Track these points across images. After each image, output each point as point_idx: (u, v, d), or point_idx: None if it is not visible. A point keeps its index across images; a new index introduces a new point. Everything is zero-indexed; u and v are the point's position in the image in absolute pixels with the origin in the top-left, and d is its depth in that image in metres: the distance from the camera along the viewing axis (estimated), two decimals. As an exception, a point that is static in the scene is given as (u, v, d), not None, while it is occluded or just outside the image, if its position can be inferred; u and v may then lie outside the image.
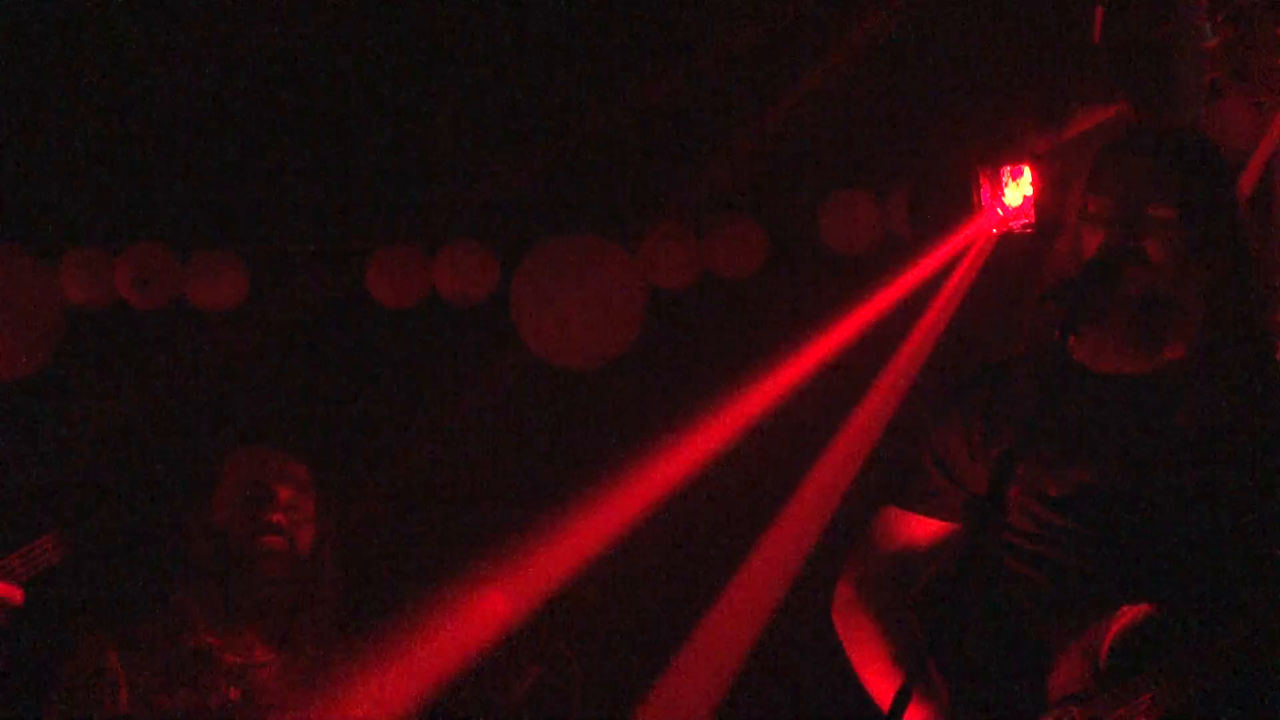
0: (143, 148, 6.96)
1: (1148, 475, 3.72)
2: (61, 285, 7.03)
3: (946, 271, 6.44)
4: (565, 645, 5.15)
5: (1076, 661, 3.71)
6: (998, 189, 5.66)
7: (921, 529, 3.96)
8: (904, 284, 6.47)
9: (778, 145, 6.95)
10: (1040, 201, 4.48)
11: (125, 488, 6.77)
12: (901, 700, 3.35)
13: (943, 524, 3.94)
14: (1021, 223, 5.70)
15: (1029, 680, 3.73)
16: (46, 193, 7.15)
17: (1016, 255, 5.74)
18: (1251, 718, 3.52)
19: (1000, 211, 5.71)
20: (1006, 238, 5.93)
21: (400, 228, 6.93)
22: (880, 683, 3.90)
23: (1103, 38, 4.78)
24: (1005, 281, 5.87)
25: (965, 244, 6.24)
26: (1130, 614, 3.64)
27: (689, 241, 6.87)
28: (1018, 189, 5.52)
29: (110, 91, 6.98)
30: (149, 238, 7.15)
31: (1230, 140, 4.89)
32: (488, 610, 5.04)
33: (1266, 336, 3.88)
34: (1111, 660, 3.64)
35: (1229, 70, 4.82)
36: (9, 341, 6.76)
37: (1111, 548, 3.72)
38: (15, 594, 4.72)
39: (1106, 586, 3.69)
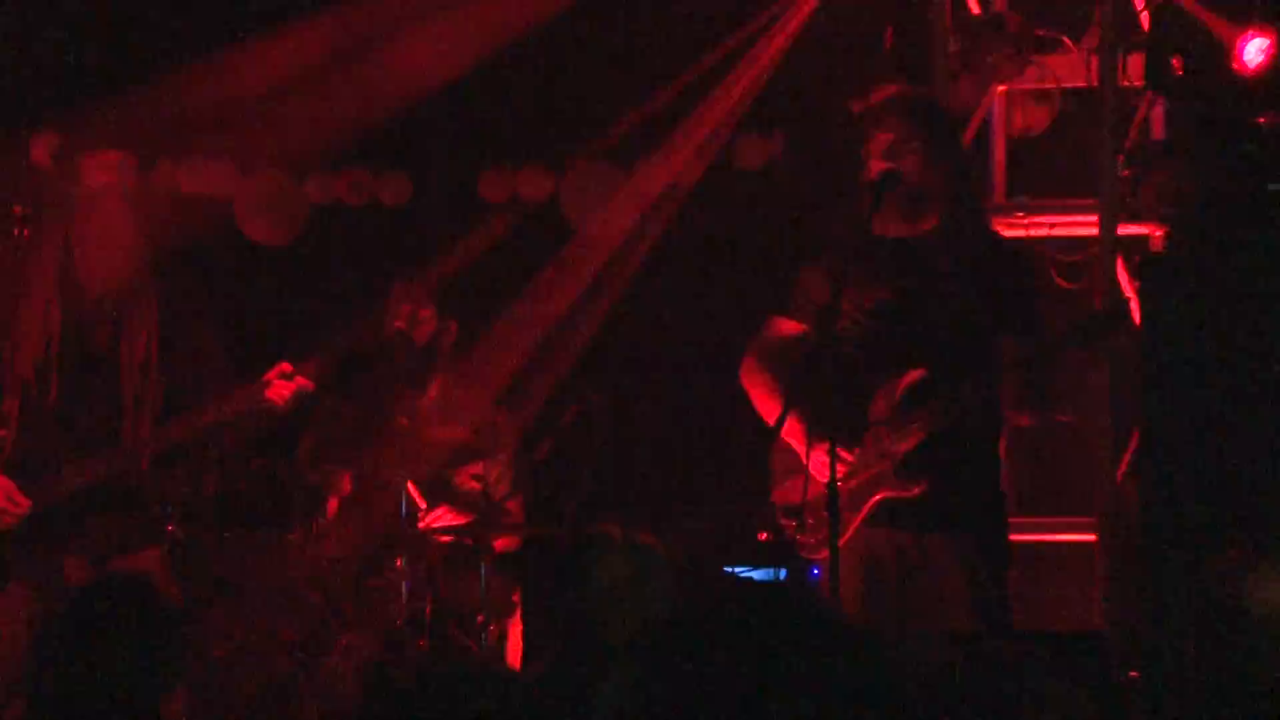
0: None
1: (919, 294, 6.08)
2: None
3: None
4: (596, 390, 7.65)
5: (881, 402, 6.06)
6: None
7: (791, 327, 6.24)
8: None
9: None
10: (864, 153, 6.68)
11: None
12: (782, 417, 5.87)
13: (804, 325, 6.19)
14: None
15: (855, 411, 6.03)
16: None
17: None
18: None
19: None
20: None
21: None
22: (772, 409, 6.09)
23: (892, 46, 7.47)
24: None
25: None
26: (912, 375, 6.02)
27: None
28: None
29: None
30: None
31: (961, 104, 7.36)
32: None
33: (981, 213, 6.47)
34: (901, 401, 6.02)
35: (961, 63, 7.35)
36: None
37: (899, 336, 6.05)
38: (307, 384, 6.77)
39: (898, 359, 6.03)
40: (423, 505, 7.53)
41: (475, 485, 7.53)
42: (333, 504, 7.78)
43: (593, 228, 8.79)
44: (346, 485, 7.78)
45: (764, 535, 6.25)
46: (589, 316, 8.68)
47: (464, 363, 7.99)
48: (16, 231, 7.39)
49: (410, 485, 7.51)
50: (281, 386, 6.72)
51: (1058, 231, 7.53)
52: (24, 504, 6.62)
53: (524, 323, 8.68)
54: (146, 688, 4.37)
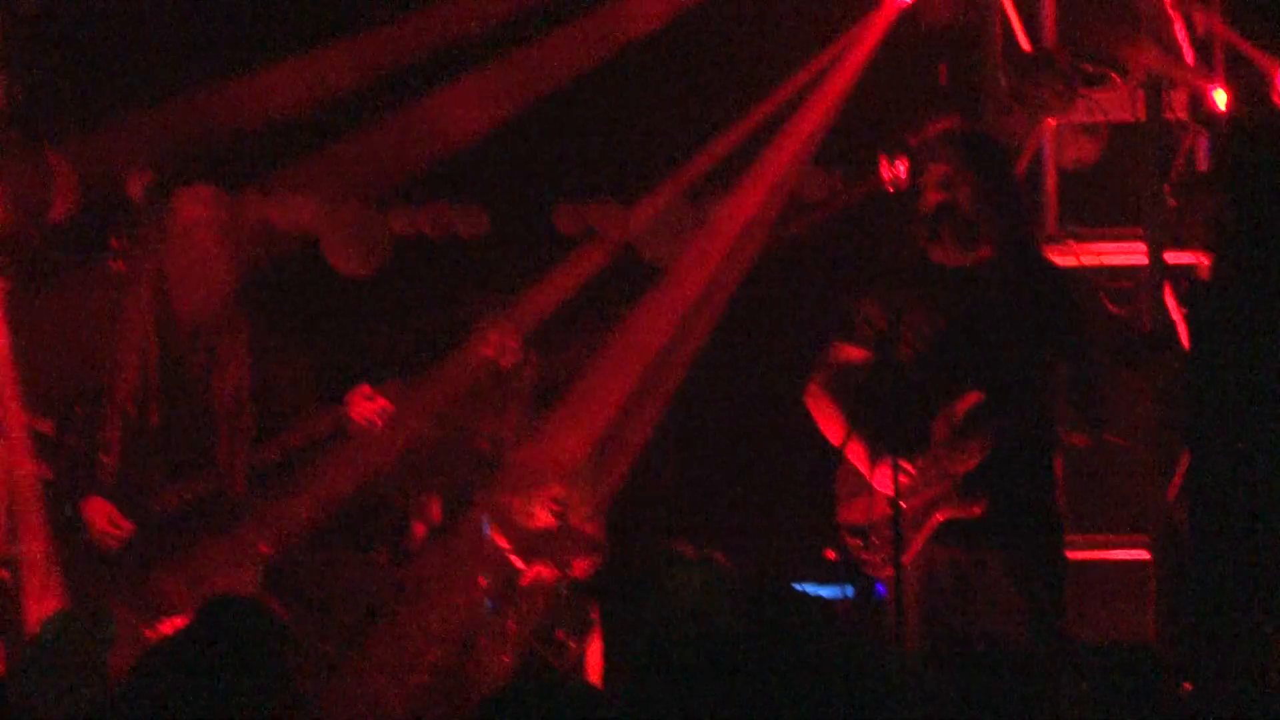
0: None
1: (975, 320, 6.29)
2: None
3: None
4: None
5: (941, 424, 6.25)
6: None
7: (853, 353, 6.45)
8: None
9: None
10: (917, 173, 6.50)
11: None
12: (846, 439, 6.17)
13: (866, 351, 6.42)
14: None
15: (919, 432, 6.22)
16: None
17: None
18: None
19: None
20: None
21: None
22: (837, 432, 6.34)
23: (946, 82, 7.73)
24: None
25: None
26: (970, 398, 6.21)
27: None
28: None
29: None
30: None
31: (1013, 137, 7.59)
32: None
33: (1033, 242, 6.72)
34: (960, 423, 6.22)
35: (1013, 98, 7.59)
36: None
37: (957, 360, 6.25)
38: None
39: (955, 382, 6.23)
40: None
41: (555, 507, 7.88)
42: (419, 528, 8.10)
43: (666, 261, 9.04)
44: (436, 513, 8.10)
45: (830, 554, 6.48)
46: (664, 350, 8.88)
47: (544, 392, 8.31)
48: (113, 265, 7.68)
49: (495, 534, 7.81)
50: (363, 408, 6.94)
51: (1107, 259, 7.73)
52: (126, 527, 6.87)
53: (604, 357, 8.89)
54: (260, 711, 4.47)
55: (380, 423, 7.00)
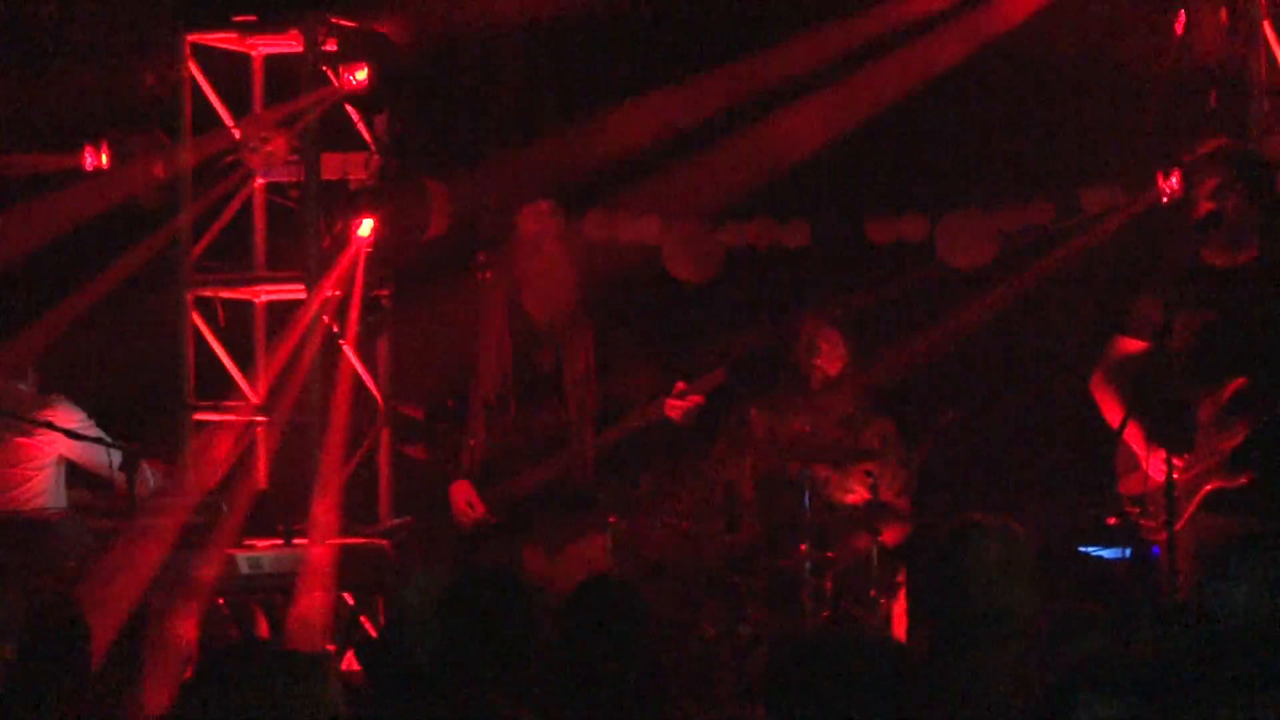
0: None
1: (1241, 314, 6.88)
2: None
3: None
4: None
5: (1209, 407, 6.88)
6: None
7: (1132, 345, 7.10)
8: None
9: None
10: (1191, 186, 7.23)
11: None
12: (1124, 423, 6.81)
13: (1144, 343, 7.05)
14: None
15: (1186, 416, 6.91)
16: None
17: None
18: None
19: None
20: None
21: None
22: (1117, 416, 6.94)
23: (1216, 105, 8.16)
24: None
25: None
26: (1235, 382, 6.84)
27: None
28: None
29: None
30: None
31: (1274, 154, 7.81)
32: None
33: None
34: (1226, 405, 6.85)
35: (1274, 119, 8.07)
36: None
37: (1224, 350, 6.86)
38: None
39: (1222, 369, 6.85)
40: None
41: (868, 481, 8.41)
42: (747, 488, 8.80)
43: (963, 264, 9.61)
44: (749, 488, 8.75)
45: (1112, 520, 7.19)
46: (964, 340, 9.44)
47: (856, 380, 8.84)
48: (480, 275, 8.72)
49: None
50: (675, 404, 7.52)
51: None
52: (480, 509, 7.60)
53: (903, 348, 9.53)
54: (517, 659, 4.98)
55: (688, 418, 7.53)
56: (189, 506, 8.50)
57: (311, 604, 8.47)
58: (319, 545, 8.76)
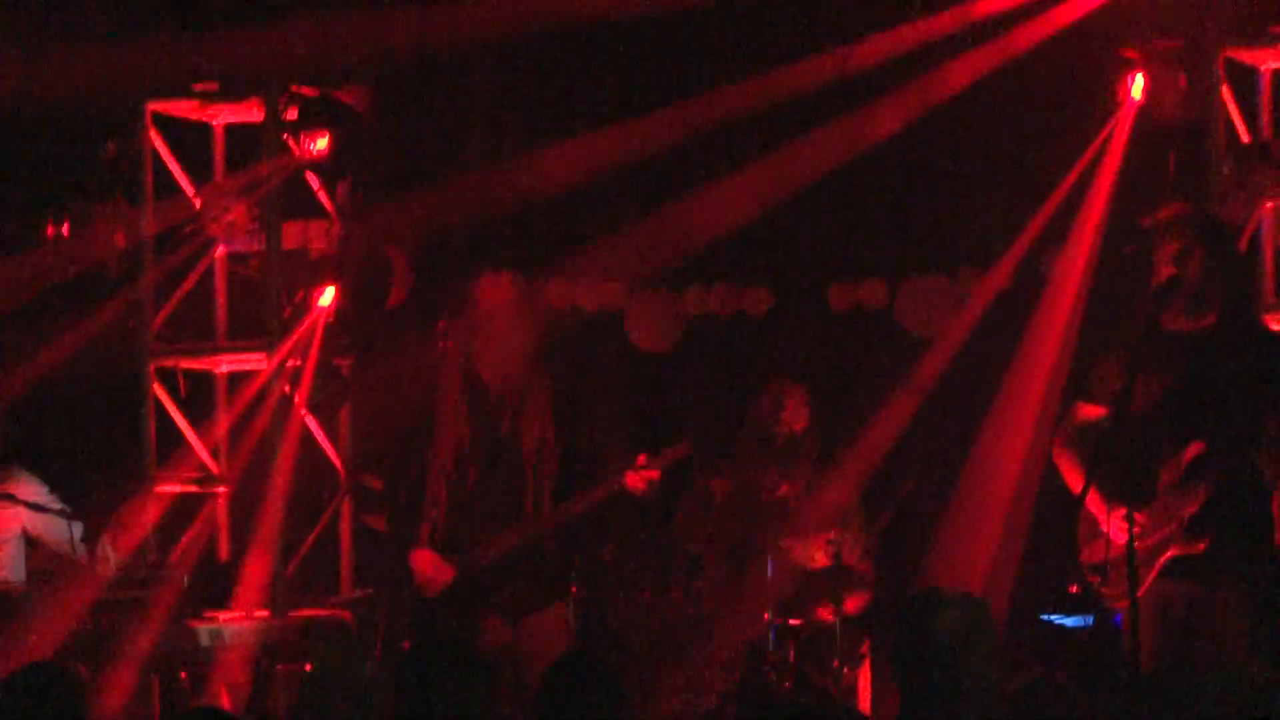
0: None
1: (1200, 379, 6.85)
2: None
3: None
4: None
5: (1168, 472, 6.83)
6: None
7: (1092, 411, 7.04)
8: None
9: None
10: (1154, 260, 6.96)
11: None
12: (1085, 489, 6.65)
13: (1103, 408, 6.97)
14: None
15: (1146, 480, 6.82)
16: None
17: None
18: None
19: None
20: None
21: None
22: (1078, 482, 6.89)
23: (1175, 170, 8.22)
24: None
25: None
26: (1194, 447, 6.80)
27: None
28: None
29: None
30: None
31: (1234, 218, 8.00)
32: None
33: (1249, 310, 7.30)
34: (1185, 470, 6.80)
35: (1234, 183, 8.07)
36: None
37: (1183, 415, 6.82)
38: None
39: (1181, 434, 6.81)
40: None
41: (830, 549, 8.38)
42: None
43: (926, 332, 9.55)
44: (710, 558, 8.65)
45: (1074, 588, 7.12)
46: (924, 410, 9.37)
47: (823, 450, 8.81)
48: (440, 344, 8.69)
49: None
50: (634, 478, 7.47)
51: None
52: (448, 573, 7.51)
53: (872, 418, 9.37)
54: None
55: (649, 491, 7.49)
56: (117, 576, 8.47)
57: (227, 676, 8.50)
58: (243, 617, 8.80)
